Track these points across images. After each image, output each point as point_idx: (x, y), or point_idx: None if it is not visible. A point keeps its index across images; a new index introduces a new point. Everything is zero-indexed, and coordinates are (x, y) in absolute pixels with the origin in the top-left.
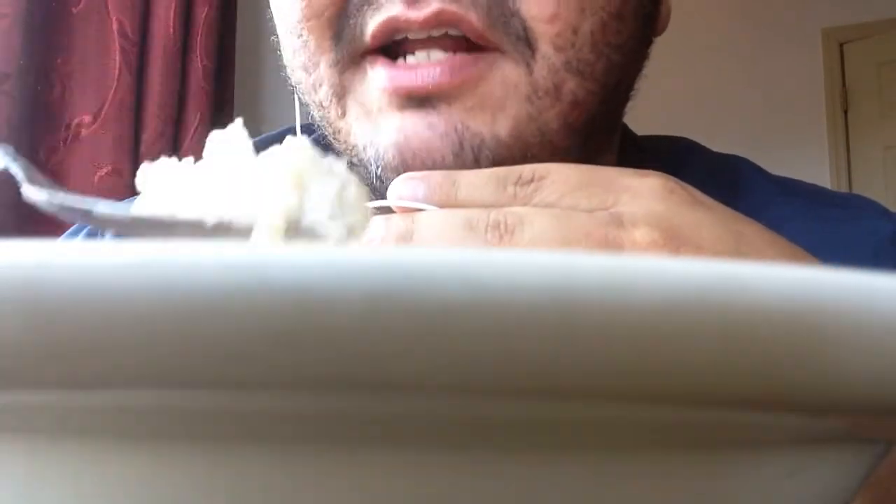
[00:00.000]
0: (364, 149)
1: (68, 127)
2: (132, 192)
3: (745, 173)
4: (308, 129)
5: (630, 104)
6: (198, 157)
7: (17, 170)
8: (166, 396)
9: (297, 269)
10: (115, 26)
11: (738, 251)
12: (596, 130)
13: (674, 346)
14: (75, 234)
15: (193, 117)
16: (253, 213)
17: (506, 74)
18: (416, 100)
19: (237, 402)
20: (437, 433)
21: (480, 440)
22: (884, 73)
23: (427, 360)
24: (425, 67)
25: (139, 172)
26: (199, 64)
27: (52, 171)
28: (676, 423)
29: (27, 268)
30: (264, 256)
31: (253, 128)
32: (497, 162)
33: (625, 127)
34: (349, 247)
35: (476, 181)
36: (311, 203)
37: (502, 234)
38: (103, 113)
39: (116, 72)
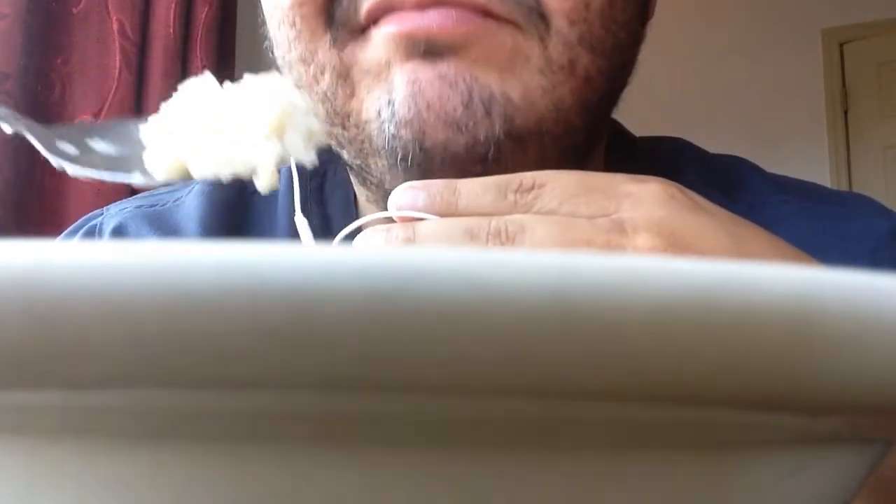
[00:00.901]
0: (379, 113)
1: None
2: (132, 192)
3: (742, 173)
4: None
5: (624, 102)
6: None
7: (32, 139)
8: (166, 396)
9: (296, 269)
10: (115, 26)
11: (739, 255)
12: (603, 114)
13: (674, 346)
14: (74, 233)
15: None
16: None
17: (517, 42)
18: (424, 48)
19: (237, 402)
20: (437, 433)
21: (480, 440)
22: (884, 73)
23: (427, 360)
24: (433, 11)
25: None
26: (199, 64)
27: (52, 170)
28: (676, 423)
29: (27, 268)
30: (264, 256)
31: None
32: (510, 120)
33: (621, 127)
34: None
35: (476, 189)
36: (290, 141)
37: (504, 241)
38: (103, 113)
39: (116, 72)
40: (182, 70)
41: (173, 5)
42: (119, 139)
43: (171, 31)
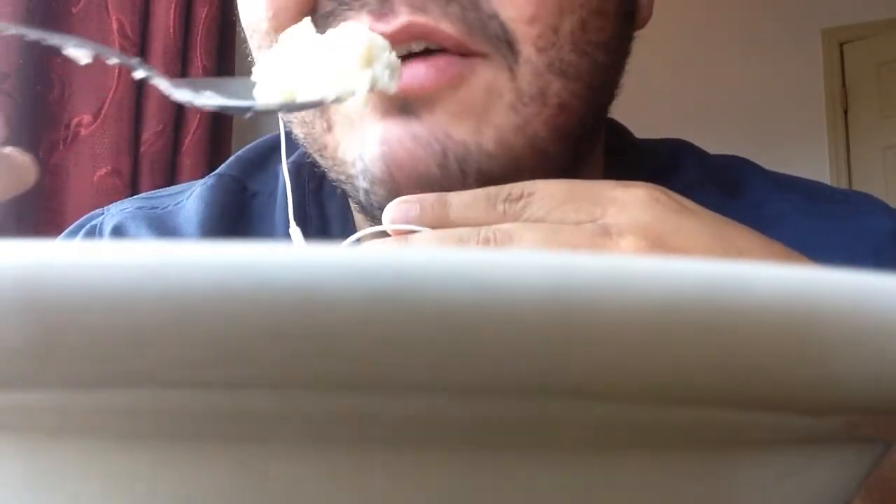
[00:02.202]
0: (353, 164)
1: (68, 127)
2: (132, 192)
3: (742, 172)
4: (293, 144)
5: (624, 103)
6: (198, 157)
7: (158, 80)
8: (166, 396)
9: (297, 268)
10: (115, 26)
11: (725, 255)
12: (584, 133)
13: (674, 346)
14: (74, 233)
15: (193, 117)
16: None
17: (489, 80)
18: (398, 105)
19: (237, 402)
20: (437, 433)
21: (480, 440)
22: (884, 73)
23: (427, 360)
24: (406, 68)
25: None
26: (199, 64)
27: (51, 170)
28: (676, 423)
29: (27, 268)
30: (264, 256)
31: (251, 128)
32: (485, 173)
33: (622, 129)
34: (349, 247)
35: (467, 201)
36: (378, 70)
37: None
38: (103, 113)
39: (116, 72)
40: (182, 70)
41: (173, 5)
42: (227, 91)
43: (171, 31)
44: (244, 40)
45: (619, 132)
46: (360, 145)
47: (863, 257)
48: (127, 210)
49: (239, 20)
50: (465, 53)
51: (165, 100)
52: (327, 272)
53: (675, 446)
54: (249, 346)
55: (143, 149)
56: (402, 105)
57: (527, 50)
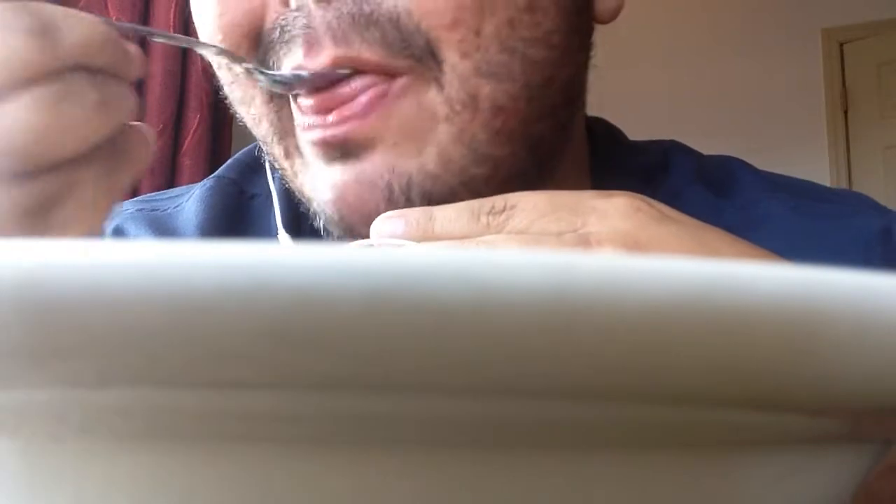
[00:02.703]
0: (309, 200)
1: None
2: (132, 192)
3: (734, 171)
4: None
5: (622, 103)
6: (198, 157)
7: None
8: (166, 396)
9: (296, 268)
10: None
11: None
12: (540, 134)
13: (673, 346)
14: None
15: (193, 117)
16: None
17: (420, 99)
18: (339, 152)
19: (237, 402)
20: (437, 433)
21: (480, 440)
22: (884, 73)
23: (427, 360)
24: (337, 111)
25: None
26: (200, 64)
27: None
28: (676, 423)
29: (27, 268)
30: (264, 256)
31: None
32: (431, 195)
33: (612, 129)
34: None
35: (451, 215)
36: None
37: None
38: None
39: None
40: (182, 70)
41: (173, 5)
42: None
43: (171, 31)
44: None
45: (609, 133)
46: (312, 187)
47: (852, 256)
48: (127, 212)
49: None
50: (389, 73)
51: (165, 100)
52: (326, 272)
53: (675, 446)
54: (249, 346)
55: None
56: (342, 151)
57: (451, 57)
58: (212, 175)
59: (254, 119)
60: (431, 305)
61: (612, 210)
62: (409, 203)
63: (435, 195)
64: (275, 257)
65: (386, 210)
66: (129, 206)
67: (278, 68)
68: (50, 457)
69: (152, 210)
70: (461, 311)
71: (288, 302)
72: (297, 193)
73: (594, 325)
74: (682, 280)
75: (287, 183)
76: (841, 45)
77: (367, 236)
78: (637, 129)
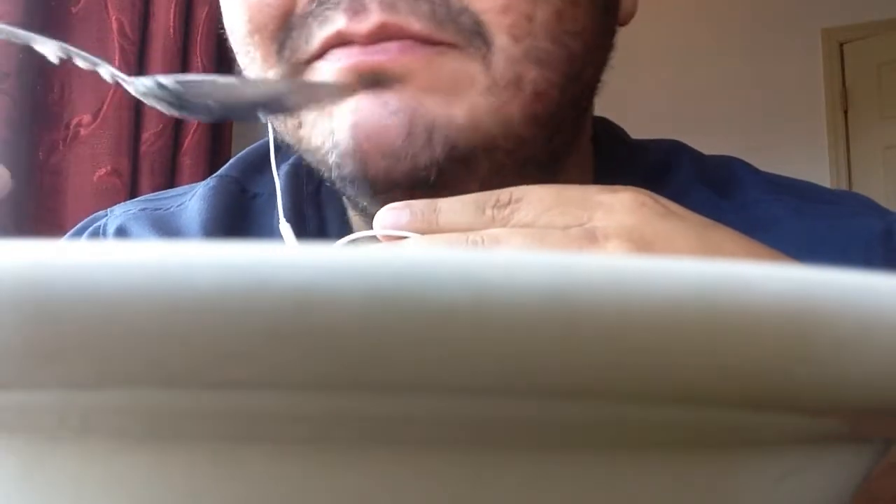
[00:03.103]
0: (323, 143)
1: (68, 126)
2: (132, 192)
3: (735, 172)
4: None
5: (622, 102)
6: (198, 157)
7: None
8: (166, 396)
9: (296, 269)
10: (114, 26)
11: (712, 258)
12: (562, 124)
13: (673, 346)
14: (78, 235)
15: None
16: None
17: (459, 65)
18: (369, 80)
19: (237, 402)
20: (437, 433)
21: (480, 440)
22: (884, 73)
23: (427, 360)
24: (378, 46)
25: None
26: (199, 64)
27: (51, 170)
28: (676, 423)
29: (27, 268)
30: (264, 256)
31: (251, 128)
32: (454, 144)
33: (615, 128)
34: (349, 247)
35: (456, 207)
36: None
37: None
38: (103, 112)
39: None
40: (181, 70)
41: (173, 5)
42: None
43: (171, 31)
44: None
45: (612, 132)
46: (330, 123)
47: (853, 257)
48: (130, 212)
49: None
50: (435, 44)
51: None
52: (327, 272)
53: (675, 446)
54: (249, 346)
55: (143, 149)
56: (373, 79)
57: (501, 39)
58: (214, 174)
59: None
60: (431, 305)
61: (618, 205)
62: (428, 144)
63: (459, 147)
64: (275, 257)
65: (406, 142)
66: (131, 205)
67: (308, 43)
68: (50, 457)
69: (155, 209)
70: (461, 311)
71: (288, 302)
72: (313, 161)
73: (594, 325)
74: (683, 280)
75: (297, 157)
76: (841, 45)
77: (380, 173)
78: (637, 128)
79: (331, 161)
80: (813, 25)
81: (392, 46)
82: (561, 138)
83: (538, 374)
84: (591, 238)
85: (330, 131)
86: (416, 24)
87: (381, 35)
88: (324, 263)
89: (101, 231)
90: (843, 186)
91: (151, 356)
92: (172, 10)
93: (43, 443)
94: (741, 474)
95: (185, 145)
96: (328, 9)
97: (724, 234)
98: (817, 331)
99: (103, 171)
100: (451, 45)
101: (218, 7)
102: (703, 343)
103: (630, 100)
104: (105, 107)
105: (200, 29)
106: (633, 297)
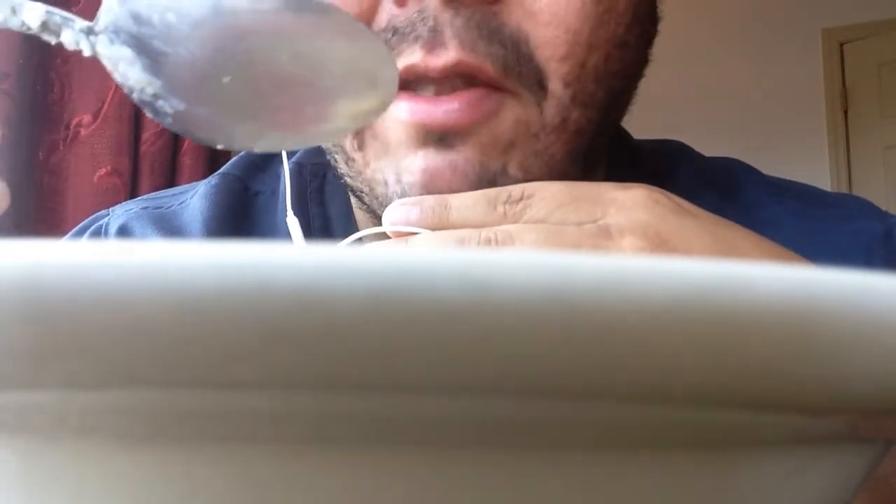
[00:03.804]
0: (386, 184)
1: (68, 127)
2: (132, 192)
3: (738, 174)
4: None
5: (632, 107)
6: (198, 157)
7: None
8: (166, 396)
9: (296, 269)
10: None
11: (724, 256)
12: (597, 151)
13: (674, 346)
14: (80, 234)
15: None
16: None
17: (518, 115)
18: (436, 137)
19: (237, 402)
20: (438, 433)
21: (480, 440)
22: (884, 73)
23: (427, 360)
24: (445, 102)
25: None
26: None
27: (51, 170)
28: (676, 423)
29: (27, 268)
30: (264, 256)
31: None
32: None
33: (622, 132)
34: (350, 247)
35: (466, 202)
36: None
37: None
38: (103, 113)
39: None
40: None
41: None
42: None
43: None
44: None
45: (617, 134)
46: (395, 170)
47: (853, 259)
48: (132, 210)
49: None
50: (498, 88)
51: None
52: (326, 272)
53: (675, 446)
54: (249, 346)
55: (143, 149)
56: (439, 137)
57: (555, 85)
58: (217, 172)
59: None
60: (432, 305)
61: (631, 202)
62: None
63: None
64: (275, 257)
65: None
66: (133, 204)
67: None
68: (49, 457)
69: (157, 208)
70: (461, 311)
71: (288, 302)
72: (358, 186)
73: (594, 325)
74: (683, 280)
75: (348, 178)
76: (841, 45)
77: None
78: (636, 128)
79: (392, 200)
80: (813, 25)
81: (462, 98)
82: (595, 161)
83: (538, 374)
84: (606, 234)
85: (397, 178)
86: (489, 66)
87: (454, 72)
88: (325, 263)
89: (103, 230)
90: (843, 186)
91: (151, 356)
92: None
93: (43, 443)
94: (742, 474)
95: (186, 145)
96: (404, 41)
97: (736, 232)
98: (817, 331)
99: (103, 171)
100: (511, 93)
101: None
102: (703, 343)
103: None
104: (105, 107)
105: None
106: (634, 298)
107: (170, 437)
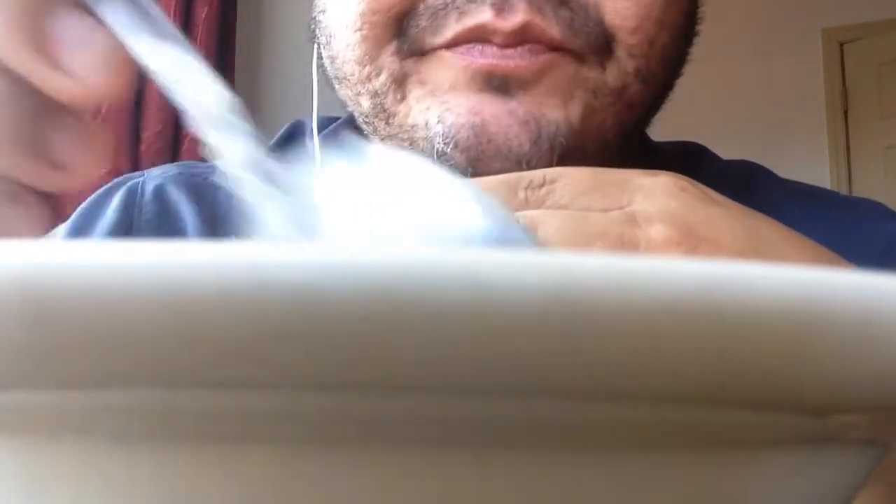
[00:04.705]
0: (426, 125)
1: None
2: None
3: (756, 176)
4: (319, 124)
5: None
6: (198, 157)
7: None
8: (166, 396)
9: (296, 268)
10: None
11: (754, 247)
12: (633, 134)
13: (674, 346)
14: (110, 193)
15: None
16: None
17: (579, 70)
18: (496, 83)
19: (237, 402)
20: (438, 433)
21: (480, 440)
22: (884, 73)
23: (427, 360)
24: (510, 52)
25: None
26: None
27: None
28: (676, 423)
29: (27, 268)
30: (264, 256)
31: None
32: (567, 149)
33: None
34: (350, 246)
35: (487, 188)
36: None
37: None
38: (103, 113)
39: None
40: None
41: (173, 5)
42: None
43: None
44: (244, 40)
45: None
46: (440, 110)
47: (869, 261)
48: (169, 174)
49: (238, 21)
50: (565, 51)
51: (165, 100)
52: (327, 272)
53: (675, 446)
54: (249, 346)
55: (143, 149)
56: (499, 83)
57: (620, 53)
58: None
59: (368, 74)
60: (432, 305)
61: (658, 189)
62: (550, 150)
63: (568, 150)
64: (275, 257)
65: (529, 150)
66: (171, 168)
67: (439, 33)
68: (49, 457)
69: (192, 175)
70: (462, 311)
71: (288, 302)
72: (393, 136)
73: (595, 325)
74: (683, 280)
75: (390, 141)
76: (841, 45)
77: (490, 171)
78: None
79: (434, 146)
80: (813, 25)
81: (527, 51)
82: (630, 150)
83: (538, 374)
84: (633, 222)
85: (438, 118)
86: (555, 30)
87: (522, 35)
88: (324, 263)
89: (139, 189)
90: (843, 186)
91: (151, 356)
92: (172, 10)
93: (43, 443)
94: (742, 474)
95: (186, 145)
96: (472, 1)
97: (762, 222)
98: (818, 331)
99: (103, 171)
100: (577, 55)
101: (218, 7)
102: (703, 343)
103: None
104: (105, 107)
105: (200, 29)
106: (634, 298)
107: (169, 437)
